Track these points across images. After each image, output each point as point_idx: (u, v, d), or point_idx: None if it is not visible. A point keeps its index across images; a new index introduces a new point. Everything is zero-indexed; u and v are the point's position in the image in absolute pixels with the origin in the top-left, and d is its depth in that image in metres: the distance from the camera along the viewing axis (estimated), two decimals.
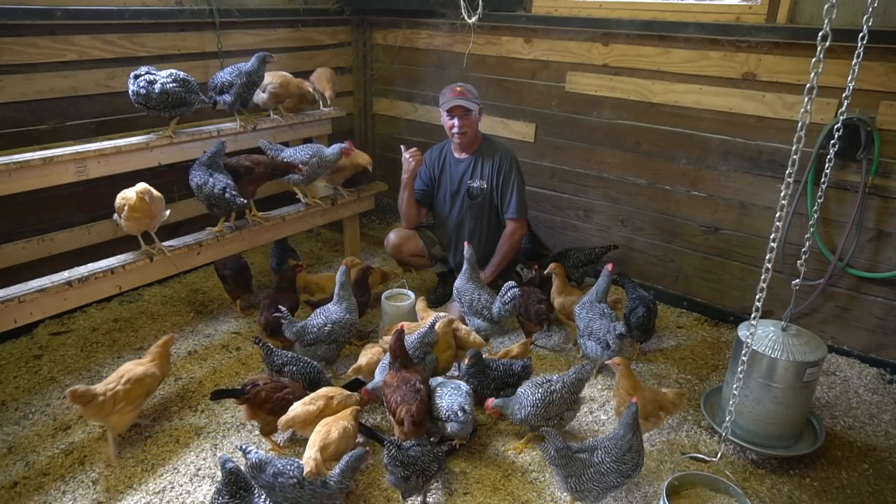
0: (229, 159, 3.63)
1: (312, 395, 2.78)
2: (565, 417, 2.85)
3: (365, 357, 3.20)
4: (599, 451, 2.44)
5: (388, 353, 2.91)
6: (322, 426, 2.62)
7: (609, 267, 3.51)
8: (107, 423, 2.74)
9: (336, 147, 3.90)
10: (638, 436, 2.49)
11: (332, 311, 3.31)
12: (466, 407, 2.67)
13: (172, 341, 3.05)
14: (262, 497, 2.31)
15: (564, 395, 2.79)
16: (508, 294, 3.35)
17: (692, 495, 2.54)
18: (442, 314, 3.44)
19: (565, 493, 2.57)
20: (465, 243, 3.63)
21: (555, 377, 2.86)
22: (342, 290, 3.35)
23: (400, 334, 2.88)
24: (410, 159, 3.94)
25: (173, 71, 3.41)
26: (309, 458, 2.46)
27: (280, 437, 2.92)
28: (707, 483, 2.56)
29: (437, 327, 3.17)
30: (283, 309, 3.23)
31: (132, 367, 2.83)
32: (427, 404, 2.73)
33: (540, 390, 2.79)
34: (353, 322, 3.34)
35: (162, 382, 3.04)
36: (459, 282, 3.61)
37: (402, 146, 3.98)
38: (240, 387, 2.80)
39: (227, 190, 3.32)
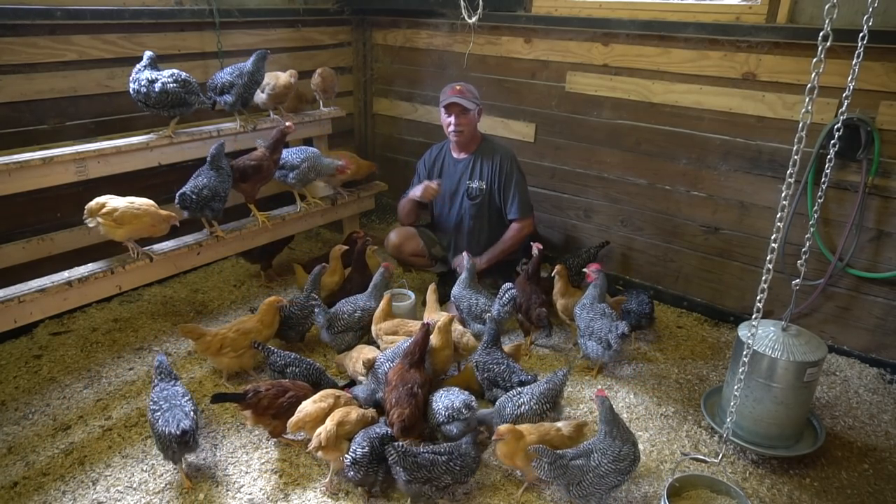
0: (236, 161, 3.65)
1: (320, 393, 2.79)
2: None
3: (369, 354, 3.21)
4: (596, 455, 2.45)
5: (408, 344, 2.90)
6: (343, 409, 2.69)
7: (597, 266, 3.59)
8: (215, 363, 3.14)
9: (333, 162, 3.99)
10: (623, 427, 2.52)
11: (360, 299, 3.49)
12: (473, 404, 2.68)
13: (277, 302, 3.31)
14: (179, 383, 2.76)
15: (534, 406, 2.77)
16: (507, 295, 3.35)
17: (693, 497, 2.54)
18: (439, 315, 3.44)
19: (570, 501, 2.56)
20: (465, 254, 3.67)
21: (525, 389, 2.85)
22: (376, 289, 3.56)
23: (427, 330, 2.88)
24: (426, 189, 3.95)
25: (174, 71, 3.41)
26: (323, 428, 2.54)
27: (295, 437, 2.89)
28: (708, 485, 2.56)
29: (432, 334, 3.15)
30: (317, 297, 3.47)
31: (245, 320, 3.27)
32: (421, 409, 2.74)
33: (510, 403, 2.79)
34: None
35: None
36: (457, 289, 3.62)
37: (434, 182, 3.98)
38: (241, 392, 2.78)
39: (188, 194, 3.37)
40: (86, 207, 3.10)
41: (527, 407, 2.76)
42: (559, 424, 2.67)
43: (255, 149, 3.94)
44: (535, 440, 2.56)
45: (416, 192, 4.07)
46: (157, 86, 3.32)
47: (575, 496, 2.45)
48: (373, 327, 3.44)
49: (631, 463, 2.45)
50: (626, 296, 3.87)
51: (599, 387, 2.57)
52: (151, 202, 3.24)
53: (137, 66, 3.41)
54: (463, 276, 3.65)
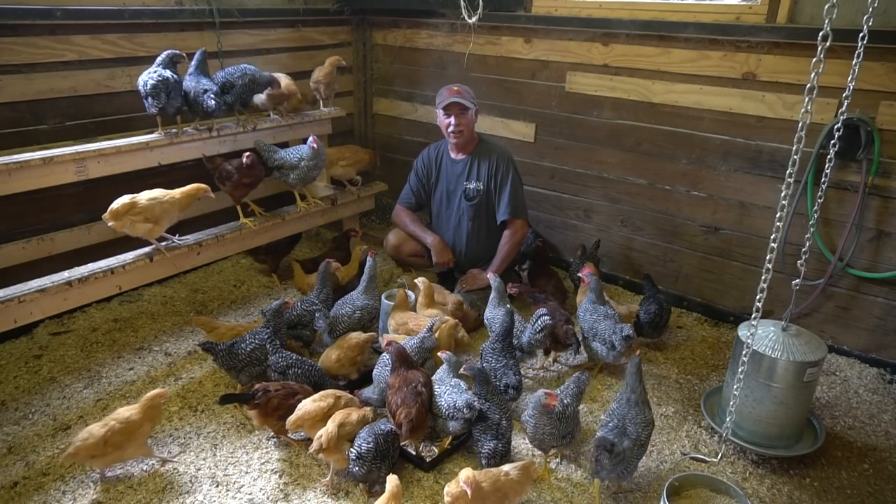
0: (223, 164, 3.67)
1: (320, 393, 2.79)
2: (575, 432, 2.73)
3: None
4: (631, 427, 2.50)
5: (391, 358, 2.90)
6: (344, 410, 2.70)
7: (590, 270, 3.60)
8: None
9: (307, 144, 3.90)
10: (644, 390, 2.63)
11: (356, 298, 3.46)
12: (474, 404, 2.66)
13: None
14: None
15: (576, 407, 2.72)
16: (539, 322, 3.22)
17: (693, 496, 2.54)
18: (438, 313, 3.45)
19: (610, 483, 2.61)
20: (490, 273, 3.57)
21: (560, 392, 2.74)
22: (370, 280, 3.49)
23: (399, 350, 2.87)
24: (444, 259, 4.04)
25: (158, 71, 3.38)
26: (324, 430, 2.54)
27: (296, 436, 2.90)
28: (708, 484, 2.57)
29: (434, 332, 3.15)
30: (317, 303, 3.43)
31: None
32: (427, 407, 2.73)
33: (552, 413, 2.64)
34: (376, 307, 3.51)
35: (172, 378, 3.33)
36: (489, 311, 3.45)
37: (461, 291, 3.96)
38: (249, 392, 2.77)
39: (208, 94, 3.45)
40: (109, 210, 3.09)
41: (572, 409, 2.68)
42: (506, 468, 2.44)
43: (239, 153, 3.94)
44: (489, 487, 2.33)
45: (428, 240, 4.10)
46: (140, 80, 3.38)
47: (622, 475, 2.49)
48: (389, 319, 3.50)
49: (653, 428, 2.58)
50: (640, 305, 3.81)
51: (639, 351, 2.69)
52: (162, 189, 3.27)
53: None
54: (493, 297, 3.46)
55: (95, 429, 2.53)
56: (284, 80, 4.11)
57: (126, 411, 2.63)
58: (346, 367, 3.20)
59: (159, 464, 2.75)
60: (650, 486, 2.70)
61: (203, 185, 3.37)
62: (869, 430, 3.14)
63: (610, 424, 2.55)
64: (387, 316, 3.70)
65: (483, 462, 2.62)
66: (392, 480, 2.34)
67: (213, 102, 3.44)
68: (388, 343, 2.92)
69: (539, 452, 2.77)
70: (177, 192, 3.28)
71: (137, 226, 3.16)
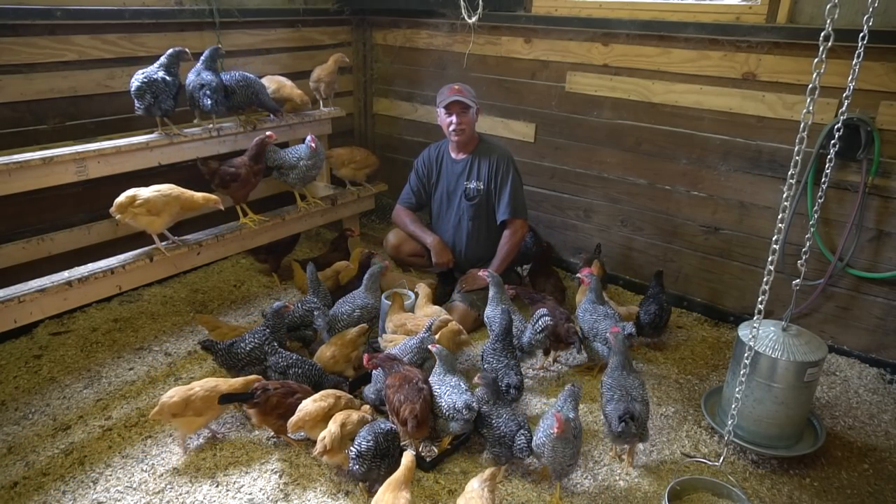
0: (219, 166, 3.66)
1: (320, 393, 2.79)
2: (580, 438, 2.65)
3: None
4: (634, 391, 2.68)
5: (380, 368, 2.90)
6: (345, 411, 2.70)
7: (589, 270, 3.60)
8: None
9: (305, 143, 3.91)
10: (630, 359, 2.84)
11: (357, 297, 3.46)
12: (473, 405, 2.66)
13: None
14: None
15: (577, 415, 2.68)
16: (540, 322, 3.21)
17: (694, 500, 2.54)
18: (436, 311, 3.46)
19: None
20: (486, 271, 3.54)
21: (559, 405, 2.68)
22: (371, 281, 3.50)
23: (386, 356, 2.90)
24: (444, 259, 4.07)
25: (146, 73, 3.39)
26: (327, 430, 2.55)
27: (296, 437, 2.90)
28: (710, 488, 2.56)
29: (434, 332, 3.15)
30: (317, 300, 3.44)
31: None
32: (430, 403, 2.73)
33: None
34: (376, 307, 3.52)
35: (172, 378, 3.36)
36: (489, 309, 3.45)
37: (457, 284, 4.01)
38: (249, 391, 2.77)
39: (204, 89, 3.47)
40: (115, 203, 3.11)
41: (577, 421, 2.63)
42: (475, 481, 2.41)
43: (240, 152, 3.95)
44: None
45: (428, 240, 4.10)
46: (132, 80, 3.40)
47: (642, 436, 2.68)
48: (387, 320, 3.50)
49: (645, 386, 2.80)
50: (640, 306, 3.80)
51: (615, 325, 2.79)
52: (172, 185, 3.27)
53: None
54: (493, 295, 3.45)
55: (181, 390, 2.72)
56: (288, 86, 4.12)
57: (213, 381, 2.80)
58: (341, 363, 3.20)
59: (164, 463, 2.75)
60: (650, 488, 2.70)
61: (215, 197, 3.36)
62: (869, 430, 3.14)
63: (616, 395, 2.67)
64: (386, 316, 3.72)
65: (521, 455, 2.61)
66: (407, 455, 2.38)
67: (210, 101, 3.44)
68: (370, 359, 2.87)
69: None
70: (186, 191, 3.28)
71: (140, 218, 3.16)
